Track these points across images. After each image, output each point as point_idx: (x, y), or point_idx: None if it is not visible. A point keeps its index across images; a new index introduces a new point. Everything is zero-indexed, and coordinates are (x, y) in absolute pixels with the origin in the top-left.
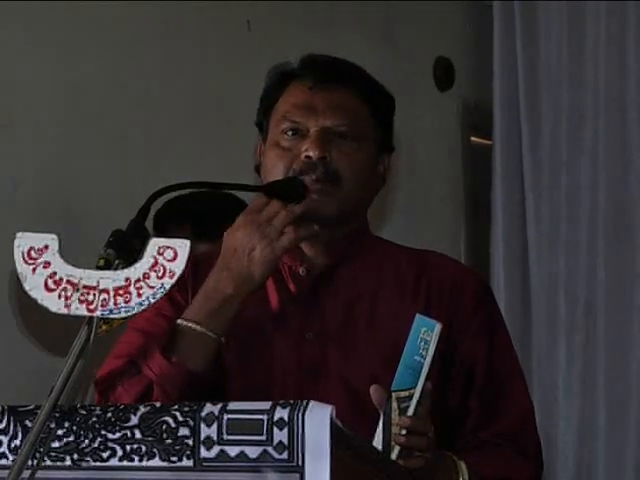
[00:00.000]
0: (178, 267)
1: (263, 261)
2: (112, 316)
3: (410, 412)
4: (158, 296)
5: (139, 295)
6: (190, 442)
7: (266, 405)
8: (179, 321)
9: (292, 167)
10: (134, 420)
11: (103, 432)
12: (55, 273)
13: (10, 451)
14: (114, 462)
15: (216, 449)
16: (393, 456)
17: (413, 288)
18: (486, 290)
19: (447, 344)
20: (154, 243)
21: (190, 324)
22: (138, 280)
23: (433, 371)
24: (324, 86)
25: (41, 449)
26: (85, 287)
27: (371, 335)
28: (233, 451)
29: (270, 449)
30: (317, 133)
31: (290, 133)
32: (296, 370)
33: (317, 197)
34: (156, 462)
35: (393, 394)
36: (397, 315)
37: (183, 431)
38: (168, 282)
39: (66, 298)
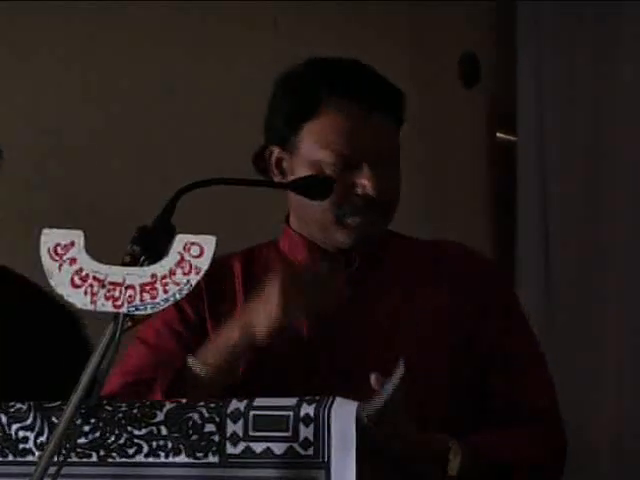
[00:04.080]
0: (204, 263)
1: (268, 317)
2: (138, 312)
3: None
4: (184, 292)
5: (165, 291)
6: (216, 438)
7: (292, 401)
8: (190, 360)
9: (342, 203)
10: (160, 416)
11: (129, 428)
12: (81, 269)
13: (36, 447)
14: (140, 458)
15: (242, 445)
16: None
17: (435, 281)
18: (501, 276)
19: (470, 328)
20: (180, 239)
21: (200, 367)
22: (164, 276)
23: (458, 355)
24: (369, 113)
25: (67, 445)
26: (111, 283)
27: (398, 335)
28: (259, 447)
29: (296, 445)
30: (372, 170)
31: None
32: (326, 370)
33: (363, 229)
34: (182, 458)
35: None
36: (423, 311)
37: (209, 427)
38: (194, 278)
39: (92, 294)
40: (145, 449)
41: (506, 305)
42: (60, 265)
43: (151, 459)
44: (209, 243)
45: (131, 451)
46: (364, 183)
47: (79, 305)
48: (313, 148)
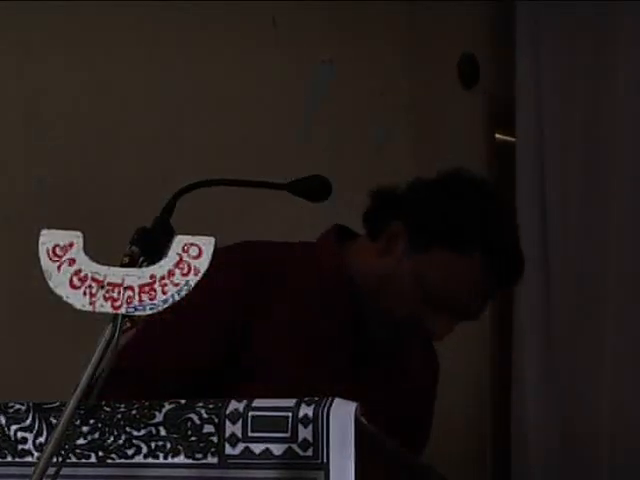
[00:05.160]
0: (203, 264)
1: None
2: (137, 313)
3: None
4: (182, 293)
5: (164, 292)
6: (215, 439)
7: (291, 402)
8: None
9: (409, 324)
10: (159, 417)
11: (128, 429)
12: (80, 270)
13: (35, 448)
14: (139, 459)
15: (241, 446)
16: None
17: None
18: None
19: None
20: (179, 240)
21: None
22: (163, 277)
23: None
24: (498, 291)
25: (66, 446)
26: (110, 284)
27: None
28: (258, 448)
29: (295, 446)
30: (455, 323)
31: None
32: None
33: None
34: (181, 459)
35: None
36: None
37: (208, 428)
38: (193, 279)
39: (91, 295)
40: (144, 450)
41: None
42: (59, 266)
43: (150, 460)
44: (208, 244)
45: (130, 452)
46: (438, 332)
47: (78, 306)
48: (433, 269)
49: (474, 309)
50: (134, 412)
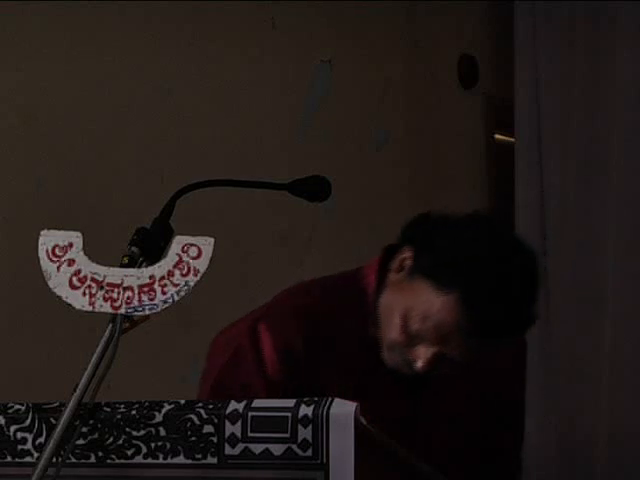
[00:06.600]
0: (202, 265)
1: None
2: (136, 314)
3: None
4: (182, 294)
5: (163, 293)
6: (214, 439)
7: (290, 402)
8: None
9: (397, 347)
10: (158, 418)
11: (127, 430)
12: (80, 271)
13: (35, 448)
14: (138, 459)
15: (240, 446)
16: None
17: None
18: None
19: None
20: (178, 241)
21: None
22: (162, 278)
23: None
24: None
25: (66, 446)
26: (109, 285)
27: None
28: (257, 449)
29: (294, 447)
30: (432, 359)
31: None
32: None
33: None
34: (180, 459)
35: None
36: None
37: (207, 428)
38: (192, 280)
39: (90, 296)
40: (144, 450)
41: None
42: (58, 266)
43: (150, 460)
44: (207, 244)
45: (129, 452)
46: (418, 364)
47: (77, 306)
48: (414, 298)
49: (451, 349)
50: (134, 412)
